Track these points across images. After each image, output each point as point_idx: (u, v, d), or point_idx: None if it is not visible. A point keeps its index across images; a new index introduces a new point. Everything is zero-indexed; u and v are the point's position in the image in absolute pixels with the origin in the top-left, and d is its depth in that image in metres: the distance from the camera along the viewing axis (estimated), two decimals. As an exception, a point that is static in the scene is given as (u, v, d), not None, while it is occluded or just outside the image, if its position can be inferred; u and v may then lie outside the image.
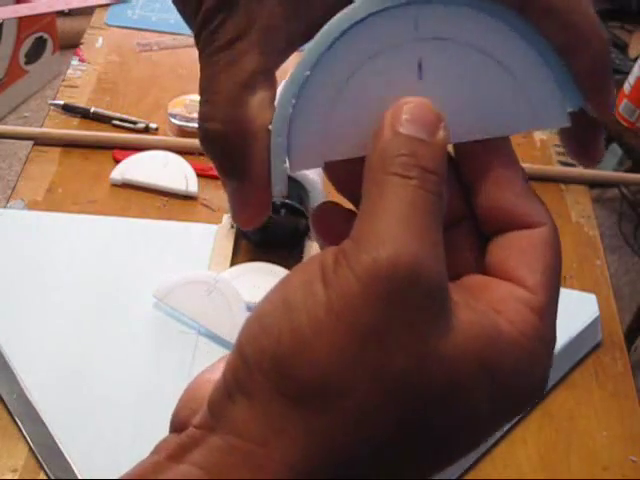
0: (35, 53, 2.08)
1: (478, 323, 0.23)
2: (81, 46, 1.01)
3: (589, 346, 0.73)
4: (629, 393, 0.70)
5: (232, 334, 0.56)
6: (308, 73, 0.26)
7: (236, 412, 0.23)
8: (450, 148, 0.26)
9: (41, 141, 0.86)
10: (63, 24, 2.11)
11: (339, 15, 0.25)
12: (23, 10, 1.13)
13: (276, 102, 0.27)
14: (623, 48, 1.93)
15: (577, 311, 0.75)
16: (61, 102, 0.91)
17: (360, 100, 0.26)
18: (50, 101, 0.92)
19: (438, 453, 0.24)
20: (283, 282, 0.24)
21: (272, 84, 0.27)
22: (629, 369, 0.72)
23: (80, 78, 0.96)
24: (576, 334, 0.72)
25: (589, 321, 0.74)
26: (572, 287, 0.79)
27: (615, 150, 1.89)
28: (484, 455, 0.64)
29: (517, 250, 0.26)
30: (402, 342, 0.22)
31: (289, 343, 0.22)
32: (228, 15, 0.26)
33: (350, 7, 0.25)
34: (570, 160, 0.96)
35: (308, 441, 0.22)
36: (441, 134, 0.24)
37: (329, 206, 0.29)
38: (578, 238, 0.85)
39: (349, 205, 0.29)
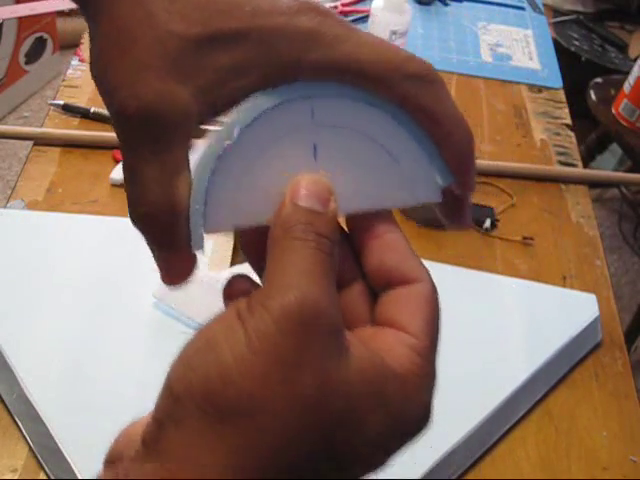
0: (35, 53, 2.08)
1: (370, 359, 0.28)
2: (81, 46, 1.01)
3: (589, 346, 0.74)
4: (629, 393, 0.70)
5: None
6: (221, 153, 0.29)
7: (167, 438, 0.26)
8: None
9: (41, 141, 0.86)
10: (63, 24, 2.11)
11: (248, 105, 0.29)
12: (23, 10, 1.13)
13: (193, 172, 0.30)
14: (623, 48, 1.93)
15: (577, 311, 0.75)
16: (61, 102, 0.91)
17: (266, 176, 0.30)
18: (50, 101, 0.92)
19: (341, 469, 0.27)
20: (203, 329, 0.28)
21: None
22: (629, 369, 0.72)
23: (80, 78, 0.96)
24: (576, 334, 0.72)
25: (589, 321, 0.74)
26: (572, 287, 0.79)
27: (615, 150, 1.89)
28: (484, 455, 0.64)
29: (401, 303, 0.32)
30: (310, 370, 0.26)
31: (216, 377, 0.25)
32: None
33: (257, 98, 0.29)
34: (570, 160, 0.96)
35: (230, 457, 0.25)
36: (332, 206, 0.29)
37: (237, 278, 0.33)
38: (578, 238, 0.85)
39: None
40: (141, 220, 0.32)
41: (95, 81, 0.33)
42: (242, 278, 0.32)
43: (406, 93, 0.30)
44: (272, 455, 0.25)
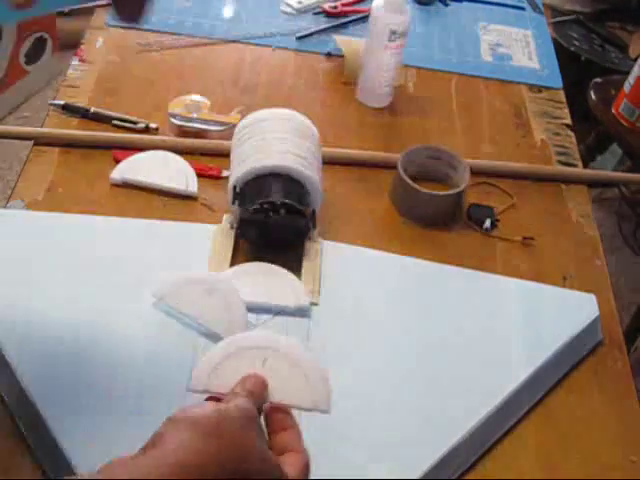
0: (35, 53, 2.08)
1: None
2: (81, 46, 1.01)
3: (589, 346, 0.74)
4: (629, 393, 0.70)
5: (231, 333, 0.56)
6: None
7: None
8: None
9: (41, 141, 0.86)
10: (63, 24, 2.11)
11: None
12: (23, 10, 1.13)
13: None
14: (623, 48, 1.93)
15: (577, 311, 0.75)
16: (61, 102, 0.91)
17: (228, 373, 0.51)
18: (50, 101, 0.92)
19: None
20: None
21: None
22: (629, 369, 0.72)
23: (80, 78, 0.96)
24: (576, 334, 0.72)
25: (589, 321, 0.74)
26: (572, 287, 0.79)
27: (615, 150, 1.89)
28: (484, 455, 0.64)
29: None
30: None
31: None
32: None
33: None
34: (570, 160, 0.96)
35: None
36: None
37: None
38: (578, 238, 0.85)
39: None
40: None
41: None
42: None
43: None
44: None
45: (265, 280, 0.71)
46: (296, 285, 0.72)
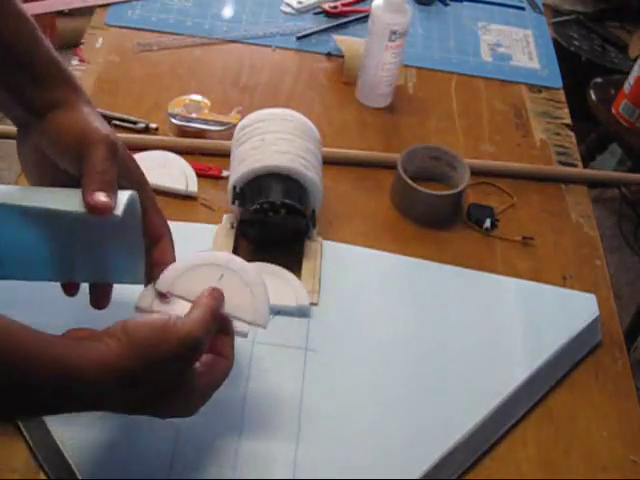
0: (35, 53, 2.08)
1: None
2: (81, 46, 1.01)
3: (589, 346, 0.74)
4: (629, 393, 0.70)
5: (256, 317, 0.59)
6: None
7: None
8: None
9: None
10: (63, 24, 2.11)
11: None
12: (23, 10, 1.13)
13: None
14: (623, 48, 1.93)
15: (577, 311, 0.75)
16: (61, 102, 0.90)
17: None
18: (50, 101, 0.92)
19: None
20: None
21: None
22: (629, 369, 0.72)
23: (80, 78, 0.96)
24: (576, 334, 0.72)
25: (589, 321, 0.74)
26: (572, 287, 0.79)
27: (615, 150, 1.89)
28: (484, 455, 0.64)
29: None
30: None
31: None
32: None
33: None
34: (570, 160, 0.96)
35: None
36: None
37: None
38: (578, 238, 0.85)
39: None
40: None
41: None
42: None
43: None
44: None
45: (265, 280, 0.71)
46: (296, 285, 0.72)
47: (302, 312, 0.70)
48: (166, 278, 0.59)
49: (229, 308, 0.58)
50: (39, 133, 0.58)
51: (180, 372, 0.52)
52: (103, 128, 0.57)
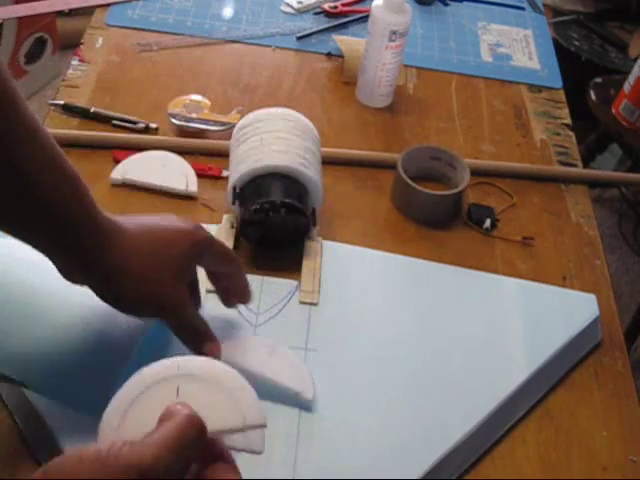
0: (35, 53, 2.08)
1: None
2: (81, 46, 1.01)
3: (589, 346, 0.74)
4: (629, 393, 0.70)
5: (248, 416, 0.46)
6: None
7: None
8: None
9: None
10: (63, 24, 2.11)
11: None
12: (23, 10, 1.13)
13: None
14: (623, 48, 1.93)
15: (577, 311, 0.75)
16: (61, 102, 0.91)
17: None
18: (50, 101, 0.92)
19: None
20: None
21: None
22: (629, 369, 0.72)
23: (80, 78, 0.96)
24: (576, 334, 0.72)
25: (589, 321, 0.74)
26: (572, 287, 0.79)
27: (615, 150, 1.89)
28: (484, 455, 0.64)
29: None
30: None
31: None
32: None
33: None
34: (570, 160, 0.96)
35: None
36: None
37: None
38: (578, 238, 0.85)
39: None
40: None
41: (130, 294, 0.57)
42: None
43: None
44: None
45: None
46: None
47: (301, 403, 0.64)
48: (110, 420, 0.45)
49: (211, 424, 0.43)
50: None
51: None
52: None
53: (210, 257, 0.61)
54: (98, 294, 0.57)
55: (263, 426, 0.45)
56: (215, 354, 0.58)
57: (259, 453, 0.45)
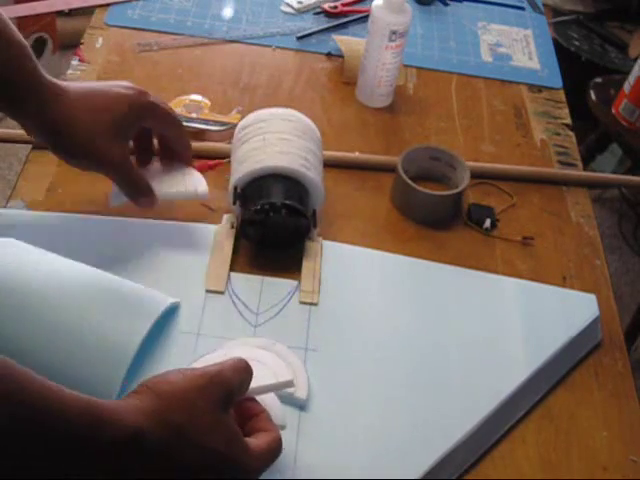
0: (35, 53, 2.07)
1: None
2: (81, 46, 1.01)
3: (589, 346, 0.74)
4: (629, 393, 0.70)
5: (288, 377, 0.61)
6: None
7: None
8: None
9: (41, 144, 0.85)
10: (63, 24, 2.11)
11: None
12: (23, 10, 1.13)
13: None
14: (623, 48, 1.93)
15: (577, 311, 0.75)
16: (61, 102, 0.90)
17: None
18: (50, 101, 0.92)
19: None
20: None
21: None
22: (629, 369, 0.72)
23: (80, 78, 0.96)
24: (576, 334, 0.72)
25: (589, 321, 0.74)
26: (572, 287, 0.79)
27: (615, 150, 1.89)
28: (484, 455, 0.64)
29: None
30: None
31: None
32: None
33: None
34: (570, 160, 0.96)
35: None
36: None
37: None
38: (578, 238, 0.85)
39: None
40: None
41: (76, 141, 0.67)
42: None
43: None
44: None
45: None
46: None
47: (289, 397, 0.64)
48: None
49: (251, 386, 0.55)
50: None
51: (224, 424, 0.50)
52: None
53: (153, 120, 0.73)
54: (51, 148, 0.69)
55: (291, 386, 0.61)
56: (149, 206, 0.73)
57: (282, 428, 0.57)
